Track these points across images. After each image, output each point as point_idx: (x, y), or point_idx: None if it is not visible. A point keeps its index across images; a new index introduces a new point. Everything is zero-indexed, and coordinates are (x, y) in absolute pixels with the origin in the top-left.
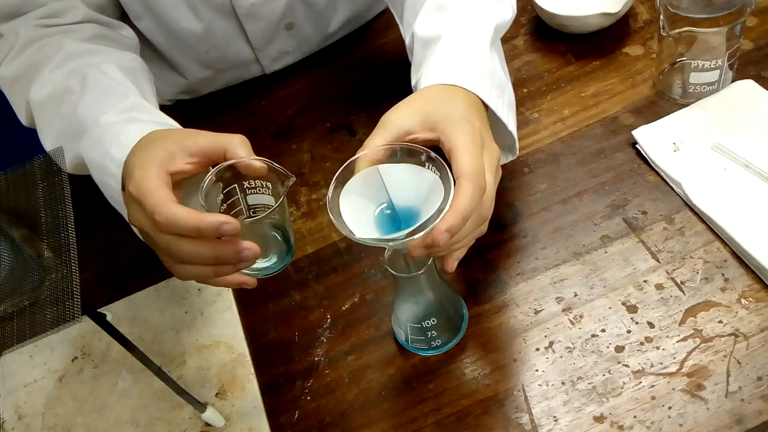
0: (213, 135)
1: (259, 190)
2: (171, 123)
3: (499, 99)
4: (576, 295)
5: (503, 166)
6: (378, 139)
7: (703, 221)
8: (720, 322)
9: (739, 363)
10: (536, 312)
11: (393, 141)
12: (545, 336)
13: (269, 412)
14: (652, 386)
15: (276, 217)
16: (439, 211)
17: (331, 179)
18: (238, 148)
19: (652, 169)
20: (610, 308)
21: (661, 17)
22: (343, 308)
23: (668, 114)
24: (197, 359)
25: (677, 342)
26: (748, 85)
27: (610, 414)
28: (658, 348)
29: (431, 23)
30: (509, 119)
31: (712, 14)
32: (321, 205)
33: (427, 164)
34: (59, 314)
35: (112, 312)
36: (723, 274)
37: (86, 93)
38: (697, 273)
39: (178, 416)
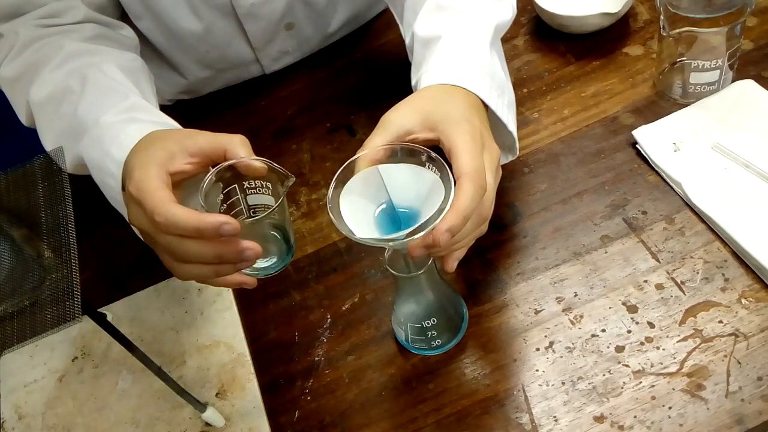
0: (213, 135)
1: (259, 190)
2: (171, 123)
3: (499, 99)
4: (576, 295)
5: (503, 166)
6: (378, 139)
7: (704, 221)
8: (720, 322)
9: (740, 363)
10: (536, 312)
11: (393, 141)
12: (545, 336)
13: (269, 412)
14: (653, 386)
15: (276, 217)
16: (440, 211)
17: (331, 179)
18: (238, 148)
19: (652, 169)
20: (610, 308)
21: (662, 17)
22: (343, 308)
23: (668, 114)
24: (197, 359)
25: (677, 342)
26: (748, 85)
27: (610, 414)
28: (658, 348)
29: (431, 23)
30: (509, 119)
31: (712, 14)
32: (321, 205)
33: (427, 164)
34: (59, 314)
35: (112, 312)
36: (723, 274)
37: (86, 93)
38: (698, 273)
39: (178, 416)
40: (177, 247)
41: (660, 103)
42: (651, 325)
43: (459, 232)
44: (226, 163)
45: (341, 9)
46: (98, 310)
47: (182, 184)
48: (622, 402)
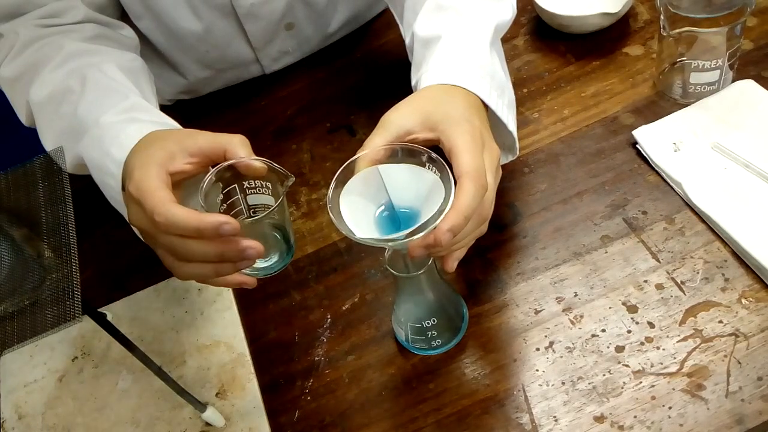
0: (213, 135)
1: (259, 190)
2: (171, 123)
3: (499, 99)
4: (576, 295)
5: (503, 166)
6: (378, 139)
7: (704, 221)
8: (720, 322)
9: (740, 363)
10: (536, 312)
11: (393, 141)
12: (545, 336)
13: (269, 411)
14: (653, 386)
15: (276, 217)
16: (440, 211)
17: (331, 179)
18: (237, 148)
19: (653, 169)
20: (610, 308)
21: (662, 17)
22: (343, 308)
23: (668, 114)
24: (197, 359)
25: (677, 342)
26: (749, 85)
27: (610, 414)
28: (658, 348)
29: (431, 23)
30: (509, 119)
31: (713, 14)
32: (321, 205)
33: (428, 165)
34: (60, 314)
35: (112, 312)
36: (723, 274)
37: (86, 93)
38: (698, 273)
39: (178, 416)
40: (179, 246)
41: (660, 103)
42: (651, 325)
43: (460, 231)
44: (225, 163)
45: (341, 9)
46: (98, 310)
47: (182, 184)
48: (622, 402)
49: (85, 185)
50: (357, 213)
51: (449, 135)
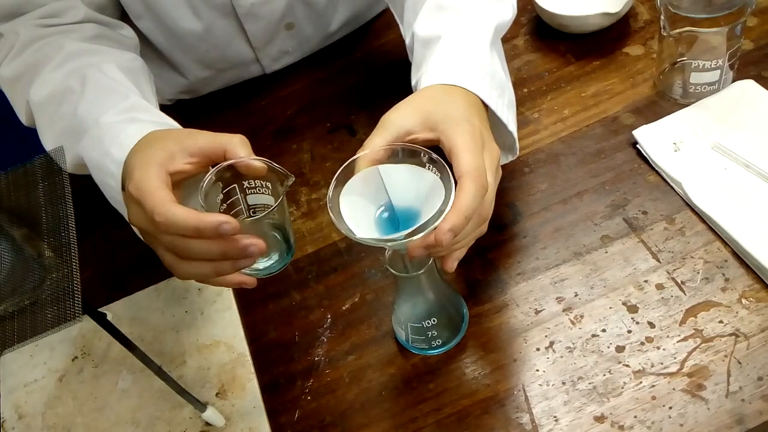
0: (213, 135)
1: (259, 190)
2: (171, 123)
3: (499, 99)
4: (576, 295)
5: (503, 166)
6: (378, 139)
7: (704, 221)
8: (720, 322)
9: (740, 363)
10: (537, 312)
11: (393, 141)
12: (546, 336)
13: (269, 411)
14: (653, 386)
15: (276, 216)
16: (440, 212)
17: (331, 179)
18: (237, 148)
19: (653, 169)
20: (610, 308)
21: (662, 17)
22: (344, 308)
23: (669, 114)
24: (197, 359)
25: (678, 342)
26: (749, 85)
27: (610, 414)
28: (658, 348)
29: (431, 23)
30: (509, 119)
31: (713, 14)
32: (321, 205)
33: (428, 165)
34: (60, 314)
35: (112, 312)
36: (723, 274)
37: (86, 93)
38: (698, 273)
39: (178, 416)
40: (180, 245)
41: (660, 103)
42: (651, 325)
43: (461, 231)
44: (225, 163)
45: (341, 9)
46: (98, 309)
47: (182, 184)
48: (622, 402)
49: (85, 185)
50: (357, 213)
51: (449, 135)
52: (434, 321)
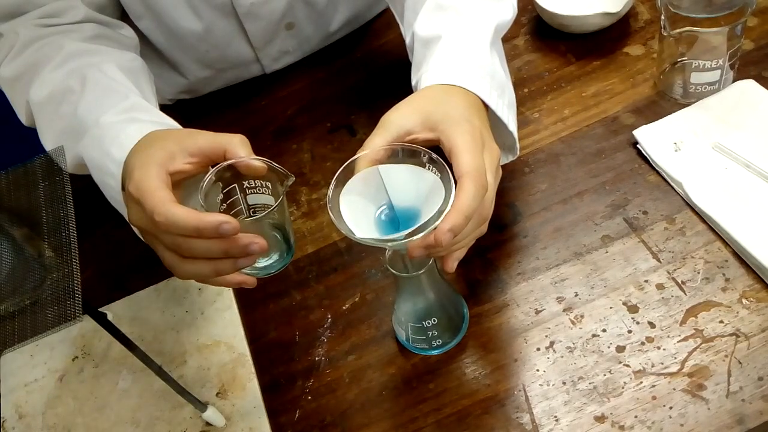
0: (213, 135)
1: (259, 190)
2: (171, 123)
3: (500, 99)
4: (577, 295)
5: (503, 166)
6: (378, 139)
7: (704, 221)
8: (721, 322)
9: (740, 363)
10: (537, 312)
11: (393, 141)
12: (546, 336)
13: (270, 411)
14: (653, 386)
15: (276, 216)
16: (440, 212)
17: (331, 179)
18: (237, 148)
19: (653, 169)
20: (610, 308)
21: (662, 17)
22: (344, 308)
23: (669, 114)
24: (198, 359)
25: (678, 342)
26: (749, 85)
27: (611, 414)
28: (659, 348)
29: (432, 23)
30: (509, 119)
31: (713, 14)
32: (321, 205)
33: (428, 165)
34: (60, 313)
35: (112, 311)
36: (724, 274)
37: (86, 93)
38: (698, 273)
39: (178, 416)
40: (182, 244)
41: (661, 103)
42: (652, 325)
43: (461, 231)
44: (225, 163)
45: (341, 9)
46: (99, 309)
47: (182, 184)
48: (622, 402)
49: (85, 185)
50: (357, 213)
51: (449, 135)
52: (434, 321)
